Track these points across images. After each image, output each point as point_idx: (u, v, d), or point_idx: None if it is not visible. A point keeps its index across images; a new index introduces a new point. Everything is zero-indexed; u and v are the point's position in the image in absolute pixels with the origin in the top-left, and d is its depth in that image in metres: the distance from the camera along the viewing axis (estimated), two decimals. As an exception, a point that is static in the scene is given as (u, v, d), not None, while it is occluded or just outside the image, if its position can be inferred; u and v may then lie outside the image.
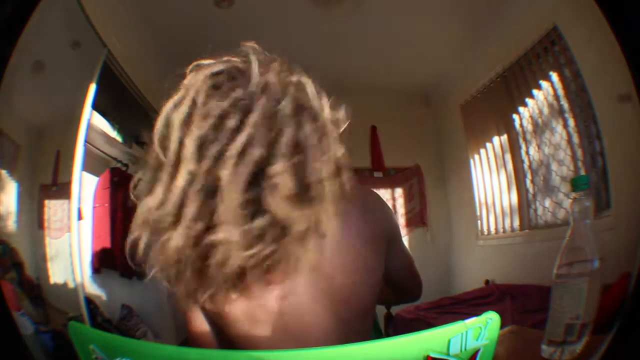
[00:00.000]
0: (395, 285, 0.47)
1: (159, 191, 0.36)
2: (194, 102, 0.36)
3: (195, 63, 0.38)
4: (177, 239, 0.35)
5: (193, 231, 0.35)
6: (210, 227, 0.35)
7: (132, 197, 0.38)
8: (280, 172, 0.35)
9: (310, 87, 0.38)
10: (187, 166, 0.35)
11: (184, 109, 0.36)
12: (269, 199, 0.35)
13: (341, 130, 0.38)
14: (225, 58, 0.38)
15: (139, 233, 0.37)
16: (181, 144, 0.35)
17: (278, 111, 0.36)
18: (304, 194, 0.36)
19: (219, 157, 0.35)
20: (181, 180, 0.35)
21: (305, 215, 0.36)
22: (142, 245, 0.37)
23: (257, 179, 0.35)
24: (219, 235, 0.35)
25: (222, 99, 0.36)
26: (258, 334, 0.44)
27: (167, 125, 0.36)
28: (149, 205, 0.36)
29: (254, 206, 0.35)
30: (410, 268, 0.47)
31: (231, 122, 0.35)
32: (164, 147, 0.36)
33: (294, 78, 0.38)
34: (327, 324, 0.44)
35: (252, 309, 0.43)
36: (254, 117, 0.35)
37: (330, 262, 0.43)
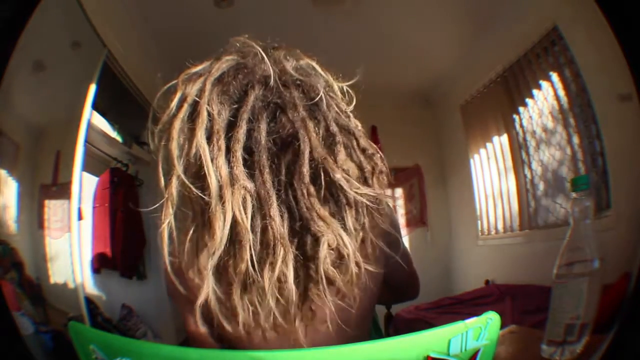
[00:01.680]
0: (394, 285, 0.47)
1: (217, 229, 0.36)
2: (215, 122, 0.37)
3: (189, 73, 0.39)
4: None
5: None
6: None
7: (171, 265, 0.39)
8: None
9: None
10: (242, 184, 0.36)
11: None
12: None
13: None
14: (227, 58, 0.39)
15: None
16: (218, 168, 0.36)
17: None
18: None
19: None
20: (240, 202, 0.36)
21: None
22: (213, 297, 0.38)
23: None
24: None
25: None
26: (257, 334, 0.43)
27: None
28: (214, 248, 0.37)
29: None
30: (409, 268, 0.47)
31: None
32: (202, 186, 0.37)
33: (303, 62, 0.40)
34: (326, 324, 0.44)
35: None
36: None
37: None
